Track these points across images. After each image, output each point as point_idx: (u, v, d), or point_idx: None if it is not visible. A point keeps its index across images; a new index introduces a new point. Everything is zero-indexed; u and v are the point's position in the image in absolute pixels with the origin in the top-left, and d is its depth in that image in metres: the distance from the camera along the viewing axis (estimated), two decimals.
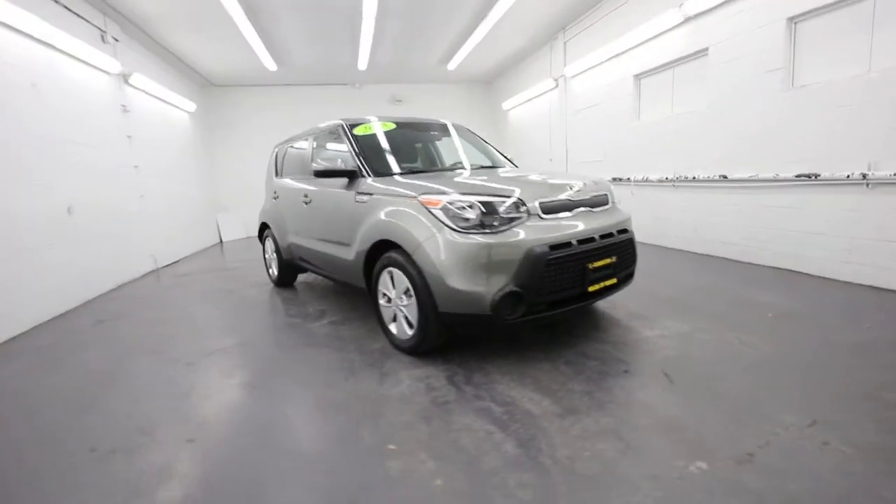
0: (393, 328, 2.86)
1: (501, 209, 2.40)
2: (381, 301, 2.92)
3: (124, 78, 6.07)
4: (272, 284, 5.05)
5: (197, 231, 8.79)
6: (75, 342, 3.43)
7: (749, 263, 4.52)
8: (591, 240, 2.55)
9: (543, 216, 2.49)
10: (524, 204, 2.46)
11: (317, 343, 3.10)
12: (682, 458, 1.65)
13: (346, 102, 10.67)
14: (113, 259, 5.38)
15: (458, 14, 6.58)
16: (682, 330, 2.91)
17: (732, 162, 4.62)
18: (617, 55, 6.22)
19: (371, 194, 2.95)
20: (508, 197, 2.46)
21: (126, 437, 2.02)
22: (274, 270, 4.87)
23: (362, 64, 8.73)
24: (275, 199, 4.64)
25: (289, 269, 4.69)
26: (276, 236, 4.58)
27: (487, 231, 2.35)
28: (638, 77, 5.98)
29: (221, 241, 10.08)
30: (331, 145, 3.79)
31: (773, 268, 4.27)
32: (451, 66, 9.27)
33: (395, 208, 2.71)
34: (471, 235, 2.35)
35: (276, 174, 4.79)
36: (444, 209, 2.44)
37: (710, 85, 4.82)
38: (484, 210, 2.39)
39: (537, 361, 2.55)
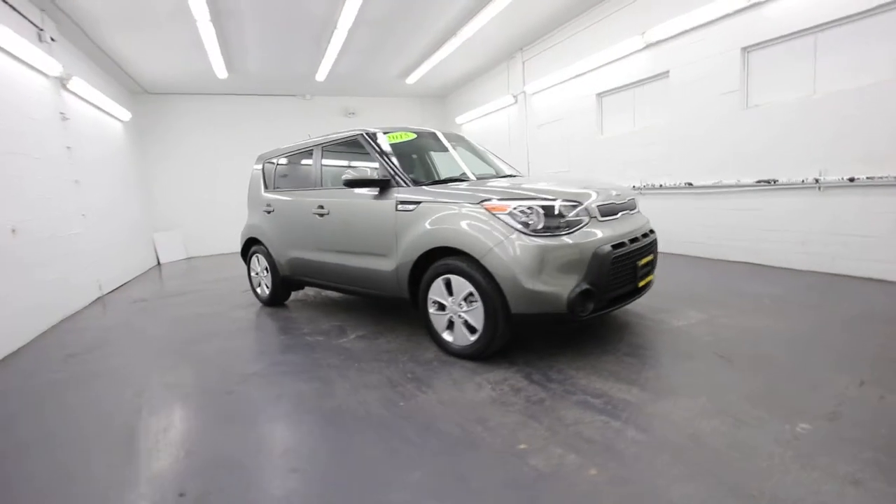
0: (447, 336, 2.84)
1: (571, 213, 2.53)
2: (432, 310, 2.89)
3: (62, 82, 5.37)
4: (260, 304, 4.71)
5: (136, 253, 7.88)
6: (50, 381, 2.95)
7: (719, 260, 5.10)
8: (636, 239, 2.78)
9: (601, 219, 2.66)
10: (586, 207, 2.62)
11: (360, 359, 2.97)
12: (786, 422, 1.86)
13: (295, 115, 10.29)
14: (59, 286, 4.67)
15: (430, 28, 6.72)
16: (703, 318, 3.23)
17: (697, 171, 5.22)
18: (580, 75, 6.75)
19: (418, 203, 2.92)
20: (578, 201, 2.59)
21: (214, 478, 1.80)
22: (265, 289, 4.55)
23: (321, 75, 8.52)
24: (268, 213, 4.37)
25: (284, 287, 4.42)
26: (272, 252, 4.30)
27: (556, 234, 2.46)
28: (601, 95, 6.53)
29: (159, 262, 9.13)
30: (346, 155, 3.69)
31: (741, 262, 4.88)
32: (411, 80, 9.37)
33: (452, 215, 2.72)
34: (543, 238, 2.44)
35: (266, 187, 4.52)
36: (512, 214, 2.51)
37: (673, 103, 5.42)
38: (554, 214, 2.50)
39: (599, 355, 2.69)
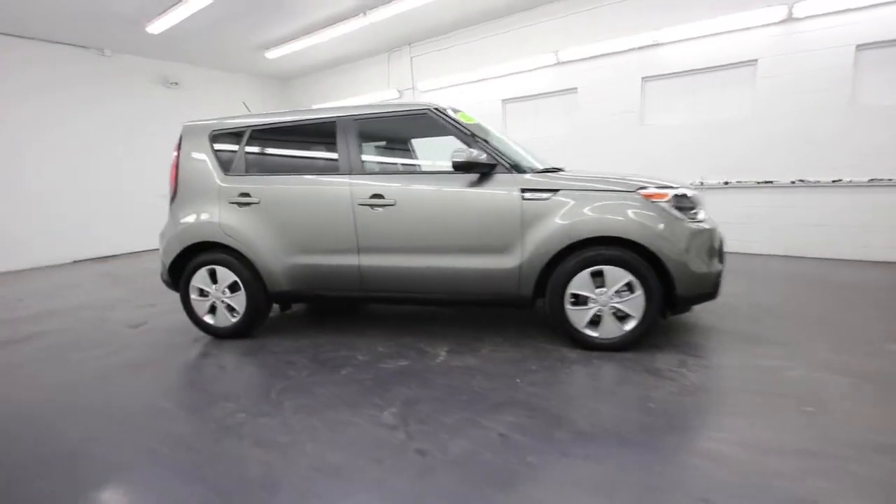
0: (589, 331, 2.71)
1: (700, 202, 2.79)
2: (569, 306, 2.71)
3: None
4: (210, 337, 3.30)
5: None
6: None
7: None
8: None
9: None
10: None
11: (494, 374, 2.52)
12: (877, 343, 2.61)
13: (83, 76, 7.31)
14: None
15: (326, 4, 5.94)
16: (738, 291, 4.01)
17: None
18: (484, 80, 7.12)
19: (554, 191, 2.66)
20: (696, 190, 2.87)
21: None
22: (227, 314, 3.20)
23: (157, 26, 6.29)
24: (242, 206, 3.09)
25: (268, 306, 3.24)
26: (255, 260, 3.07)
27: (698, 220, 2.70)
28: (506, 101, 7.07)
29: None
30: (394, 133, 2.99)
31: None
32: (272, 54, 7.93)
33: (612, 203, 2.60)
34: (697, 223, 2.64)
35: (226, 171, 3.19)
36: (671, 201, 2.61)
37: (578, 116, 6.37)
38: (692, 201, 2.72)
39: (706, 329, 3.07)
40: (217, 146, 3.24)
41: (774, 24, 4.94)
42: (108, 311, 4.20)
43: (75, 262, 7.28)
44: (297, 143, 3.24)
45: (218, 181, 3.18)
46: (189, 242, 3.18)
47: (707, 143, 5.51)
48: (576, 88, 6.36)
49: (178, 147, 3.31)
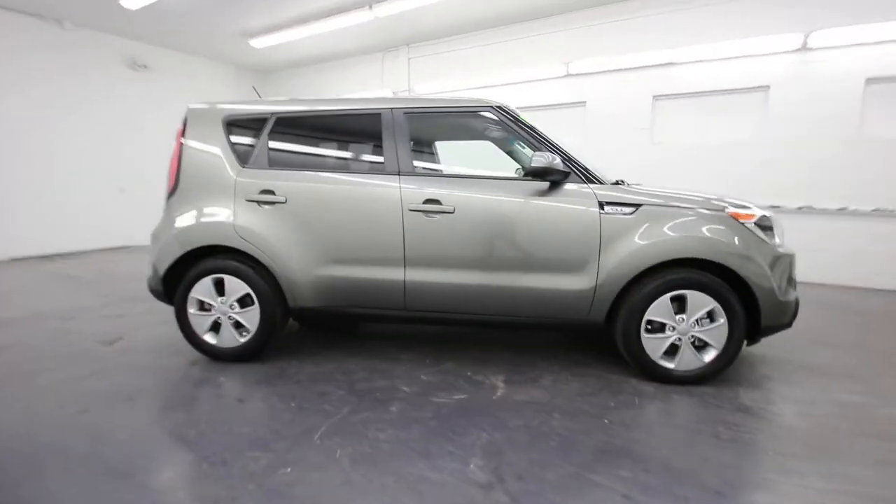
0: (664, 362, 2.45)
1: (778, 224, 2.62)
2: (645, 333, 2.44)
3: None
4: (209, 359, 2.76)
5: None
6: None
7: None
8: None
9: None
10: None
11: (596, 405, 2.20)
12: None
13: (36, 49, 6.39)
14: None
15: None
16: None
17: None
18: (488, 86, 6.88)
19: (637, 205, 2.40)
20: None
21: None
22: (235, 332, 2.69)
23: (136, 1, 5.60)
24: (264, 205, 2.62)
25: (283, 325, 2.77)
26: (275, 268, 2.60)
27: (777, 243, 2.53)
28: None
29: None
30: (447, 131, 2.66)
31: None
32: (258, 43, 7.33)
33: (697, 221, 2.37)
34: (779, 247, 2.46)
35: (243, 163, 2.70)
36: (758, 223, 2.42)
37: (587, 129, 6.26)
38: (772, 224, 2.54)
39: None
40: (233, 135, 2.75)
41: (788, 52, 5.03)
42: (71, 322, 3.52)
43: (13, 259, 6.30)
44: (331, 136, 2.82)
45: (233, 175, 2.68)
46: (193, 246, 2.65)
47: (717, 163, 5.52)
48: (585, 102, 6.26)
49: (182, 133, 2.79)
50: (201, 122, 2.80)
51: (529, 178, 2.44)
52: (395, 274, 2.57)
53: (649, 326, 2.44)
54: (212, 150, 2.74)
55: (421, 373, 2.63)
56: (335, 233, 2.60)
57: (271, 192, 2.63)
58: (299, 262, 2.61)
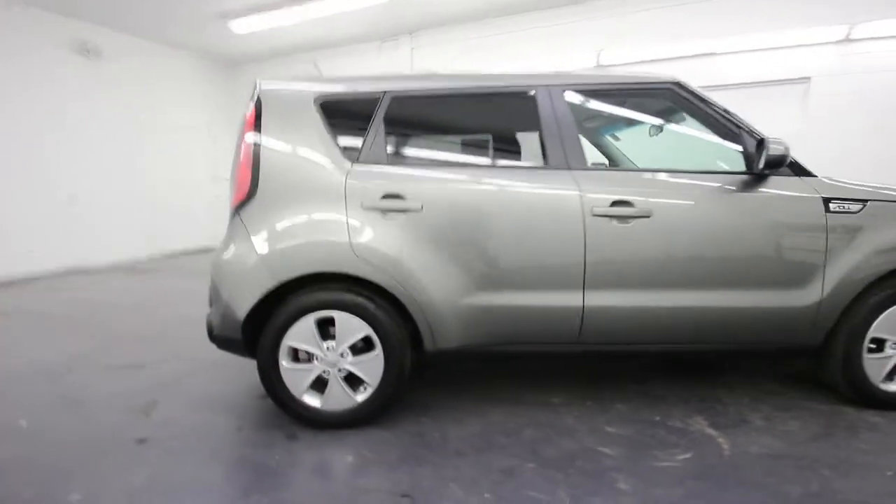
0: (886, 386, 2.07)
1: None
2: (867, 353, 2.04)
3: None
4: (311, 428, 2.03)
5: None
6: None
7: None
8: None
9: None
10: None
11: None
12: None
13: None
14: None
15: None
16: None
17: None
18: None
19: (864, 201, 1.99)
20: None
21: None
22: (355, 389, 1.99)
23: None
24: (392, 212, 1.93)
25: (411, 374, 2.10)
26: (413, 301, 1.92)
27: None
28: None
29: None
30: (622, 115, 2.13)
31: None
32: (240, 28, 6.33)
33: None
34: None
35: (355, 158, 2.00)
36: None
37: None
38: None
39: None
40: (333, 120, 2.04)
41: (831, 43, 4.96)
42: (69, 381, 2.58)
43: None
44: (468, 121, 2.17)
45: (341, 175, 1.97)
46: (293, 275, 1.90)
47: None
48: None
49: (256, 120, 2.02)
50: (284, 105, 2.06)
51: (766, 170, 1.95)
52: (569, 299, 1.98)
53: (872, 346, 2.05)
54: (304, 141, 2.01)
55: (600, 422, 2.07)
56: (491, 249, 1.97)
57: (399, 197, 1.95)
58: (442, 291, 1.95)
